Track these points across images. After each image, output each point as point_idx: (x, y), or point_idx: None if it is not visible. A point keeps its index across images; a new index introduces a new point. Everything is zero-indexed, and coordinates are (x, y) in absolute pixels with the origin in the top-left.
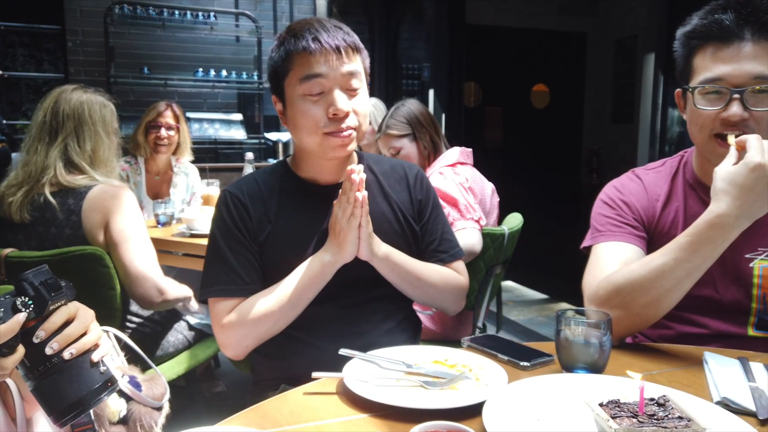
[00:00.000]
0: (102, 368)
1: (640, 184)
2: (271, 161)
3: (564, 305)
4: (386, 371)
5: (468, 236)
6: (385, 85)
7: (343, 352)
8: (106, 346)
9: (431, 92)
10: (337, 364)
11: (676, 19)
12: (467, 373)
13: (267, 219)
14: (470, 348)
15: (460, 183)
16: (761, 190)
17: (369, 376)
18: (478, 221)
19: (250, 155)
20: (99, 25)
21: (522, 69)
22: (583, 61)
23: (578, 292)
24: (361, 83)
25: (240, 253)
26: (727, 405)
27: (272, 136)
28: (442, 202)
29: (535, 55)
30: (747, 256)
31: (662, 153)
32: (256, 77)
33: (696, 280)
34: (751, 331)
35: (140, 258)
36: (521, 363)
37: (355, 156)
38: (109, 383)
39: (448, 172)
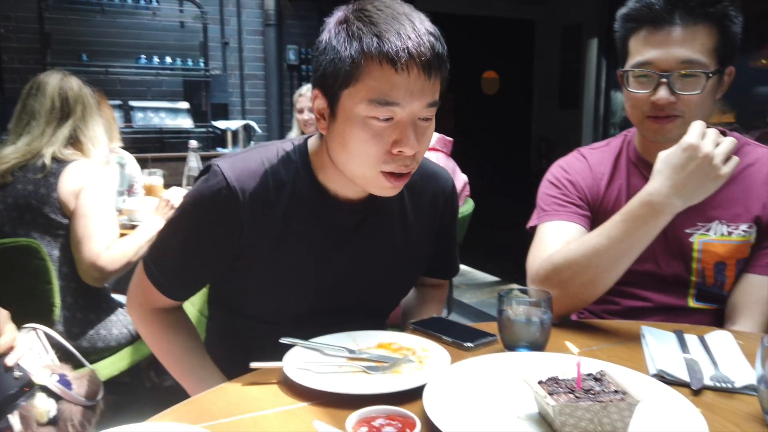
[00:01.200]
0: (17, 373)
1: (585, 163)
2: (221, 150)
3: (515, 286)
4: (329, 358)
5: None
6: None
7: (284, 340)
8: (23, 349)
9: None
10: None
11: (618, 5)
12: (410, 357)
13: (266, 226)
14: (415, 331)
15: None
16: (693, 169)
17: (310, 363)
18: None
19: (193, 143)
20: (33, 10)
21: (473, 56)
22: (531, 48)
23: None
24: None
25: (199, 262)
26: (662, 377)
27: (220, 124)
28: None
29: (485, 42)
30: (687, 231)
31: (606, 137)
32: (202, 64)
33: (632, 260)
34: (692, 303)
35: (96, 234)
36: (465, 344)
37: None
38: (26, 388)
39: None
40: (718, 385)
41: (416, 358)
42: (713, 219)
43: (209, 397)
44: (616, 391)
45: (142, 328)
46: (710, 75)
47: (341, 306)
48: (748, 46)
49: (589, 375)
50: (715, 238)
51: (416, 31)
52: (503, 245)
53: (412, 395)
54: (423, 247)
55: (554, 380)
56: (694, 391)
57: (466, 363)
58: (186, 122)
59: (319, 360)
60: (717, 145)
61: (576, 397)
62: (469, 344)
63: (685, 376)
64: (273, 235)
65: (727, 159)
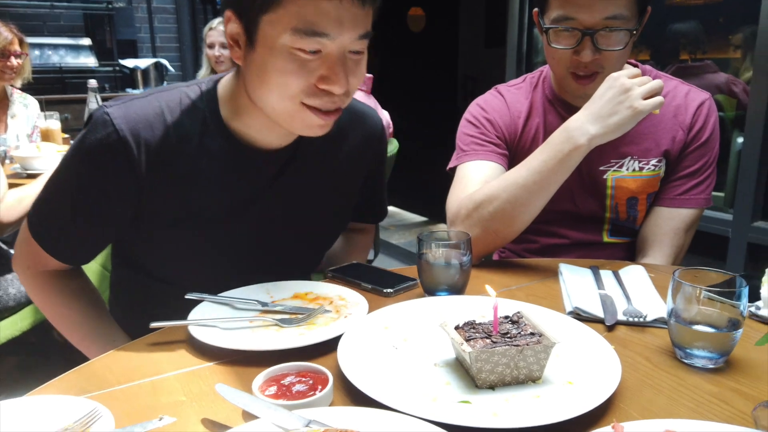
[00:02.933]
0: None
1: (503, 101)
2: (131, 91)
3: (443, 226)
4: (239, 312)
5: None
6: None
7: (190, 295)
8: None
9: None
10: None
11: None
12: (326, 306)
13: (169, 184)
14: (334, 279)
15: None
16: (609, 97)
17: (218, 320)
18: None
19: (92, 83)
20: None
21: None
22: None
23: None
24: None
25: (90, 223)
26: (578, 314)
27: (128, 62)
28: None
29: None
30: (601, 168)
31: None
32: None
33: (551, 193)
34: (606, 238)
35: None
36: (384, 290)
37: None
38: None
39: None
40: (630, 319)
41: (333, 308)
42: (626, 155)
43: (105, 362)
44: (532, 334)
45: (32, 293)
46: (633, 32)
47: (261, 265)
48: None
49: (506, 318)
50: (627, 174)
51: None
52: (431, 185)
53: (327, 348)
54: (351, 194)
55: (471, 325)
56: (608, 327)
57: (383, 311)
58: (89, 60)
59: (228, 315)
60: (641, 84)
61: (492, 341)
62: (389, 290)
63: (599, 313)
64: (178, 193)
65: (650, 98)
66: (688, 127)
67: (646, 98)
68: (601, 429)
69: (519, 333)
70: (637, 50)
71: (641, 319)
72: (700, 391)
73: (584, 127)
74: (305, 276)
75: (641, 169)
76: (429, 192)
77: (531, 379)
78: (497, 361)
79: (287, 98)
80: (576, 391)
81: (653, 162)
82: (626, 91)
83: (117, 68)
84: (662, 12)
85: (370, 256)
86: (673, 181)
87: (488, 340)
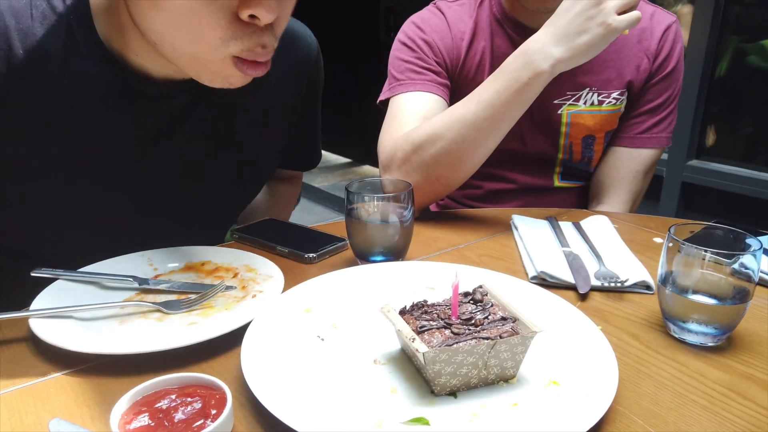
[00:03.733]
0: None
1: (443, 20)
2: None
3: (367, 168)
4: (108, 293)
5: None
6: None
7: (36, 272)
8: None
9: None
10: None
11: None
12: (229, 281)
13: (21, 122)
14: (241, 240)
15: None
16: (577, 11)
17: (73, 308)
18: None
19: None
20: None
21: None
22: None
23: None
24: None
25: None
26: (543, 280)
27: None
28: None
29: None
30: (555, 102)
31: None
32: None
33: (504, 133)
34: (557, 182)
35: None
36: (306, 255)
37: None
38: None
39: None
40: (606, 284)
41: (237, 283)
42: (584, 86)
43: None
44: (504, 318)
45: None
46: None
47: (159, 231)
48: None
49: (467, 295)
50: (584, 109)
51: None
52: (354, 125)
53: (226, 344)
54: (278, 136)
55: (422, 308)
56: (581, 294)
57: (303, 287)
58: None
59: (91, 300)
60: None
61: (453, 333)
62: (311, 254)
63: (569, 278)
64: (34, 135)
65: (623, 13)
66: (653, 54)
67: (620, 13)
68: None
69: (486, 318)
70: None
71: (620, 284)
72: (707, 380)
73: (547, 49)
74: (217, 241)
75: (600, 103)
76: (353, 131)
77: (503, 379)
78: (461, 361)
79: (207, 47)
80: (563, 394)
81: (614, 95)
82: (597, 4)
83: None
84: None
85: None
86: (633, 117)
87: (447, 332)
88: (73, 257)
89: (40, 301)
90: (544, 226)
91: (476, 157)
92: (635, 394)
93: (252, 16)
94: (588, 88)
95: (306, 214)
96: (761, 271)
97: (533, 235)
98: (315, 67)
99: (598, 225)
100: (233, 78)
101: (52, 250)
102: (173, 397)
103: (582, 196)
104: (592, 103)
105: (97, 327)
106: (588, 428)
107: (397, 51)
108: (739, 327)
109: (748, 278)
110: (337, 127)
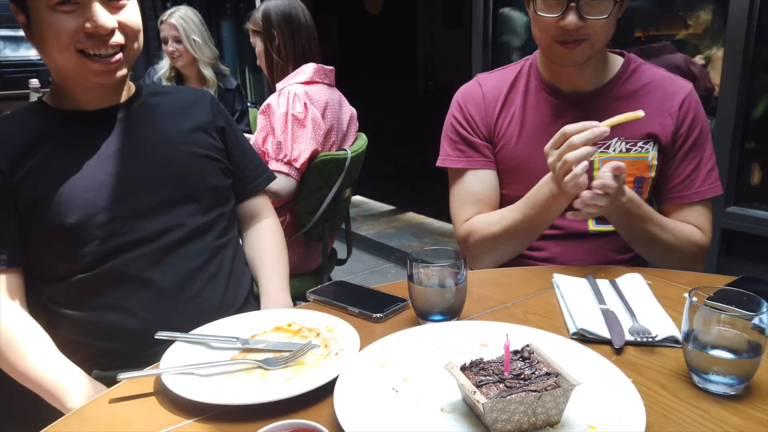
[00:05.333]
0: None
1: (480, 92)
2: None
3: (411, 215)
4: (216, 353)
5: (274, 181)
6: None
7: (160, 335)
8: None
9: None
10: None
11: None
12: (314, 341)
13: (23, 169)
14: (316, 302)
15: (293, 114)
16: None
17: (194, 364)
18: (290, 163)
19: (35, 82)
20: None
21: None
22: None
23: (423, 200)
24: None
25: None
26: (583, 336)
27: None
28: (260, 130)
29: None
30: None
31: (495, 58)
32: None
33: (546, 227)
34: (592, 226)
35: None
36: (374, 315)
37: (132, 86)
38: None
39: (294, 93)
40: (638, 339)
41: (321, 342)
42: (613, 136)
43: (67, 426)
44: (548, 374)
45: None
46: (617, 1)
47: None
48: None
49: (516, 354)
50: (614, 156)
51: None
52: (396, 173)
53: (319, 393)
54: (212, 134)
55: (479, 365)
56: (617, 349)
57: (377, 346)
58: (31, 53)
59: (204, 358)
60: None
61: (506, 386)
62: (379, 314)
63: (605, 333)
64: (36, 176)
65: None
66: (676, 118)
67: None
68: None
69: (533, 374)
70: None
71: (651, 339)
72: (726, 425)
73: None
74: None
75: (628, 150)
76: (396, 180)
77: (549, 424)
78: (514, 409)
79: (64, 49)
80: None
81: (640, 144)
82: (559, 159)
83: None
84: None
85: (343, 254)
86: (685, 179)
87: (501, 386)
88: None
89: (166, 360)
90: (582, 283)
91: (528, 243)
92: None
93: (92, 27)
94: (617, 138)
95: (354, 263)
96: None
97: (573, 293)
98: (215, 108)
99: (632, 282)
100: (99, 72)
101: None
102: None
103: (618, 242)
104: (621, 150)
105: (213, 381)
106: None
107: (447, 127)
108: (756, 377)
109: (761, 333)
110: (379, 177)
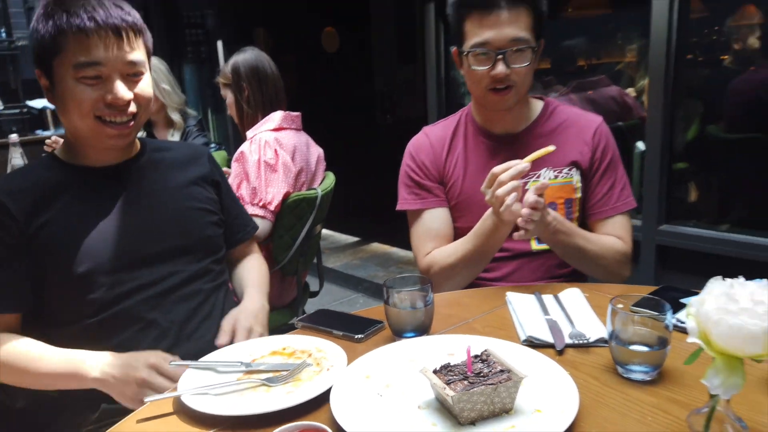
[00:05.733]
0: None
1: (427, 141)
2: (41, 133)
3: (376, 246)
4: (224, 375)
5: None
6: (166, 37)
7: (173, 364)
8: None
9: (219, 43)
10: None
11: None
12: (307, 360)
13: (39, 220)
14: (304, 328)
15: (265, 161)
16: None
17: (206, 385)
18: (265, 206)
19: (14, 137)
20: None
21: (310, 13)
22: (366, 3)
23: (386, 230)
24: (145, 69)
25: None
26: (531, 342)
27: (36, 103)
28: (234, 177)
29: None
30: (523, 180)
31: (448, 93)
32: (4, 35)
33: (495, 249)
34: (534, 246)
35: None
36: (356, 336)
37: (137, 143)
38: None
39: (265, 140)
40: (576, 341)
41: (313, 361)
42: (542, 167)
43: None
44: (502, 371)
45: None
46: (535, 49)
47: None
48: (557, 2)
49: (476, 357)
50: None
51: (103, 4)
52: (360, 204)
53: (317, 402)
54: (209, 189)
55: (447, 368)
56: (558, 351)
57: (362, 360)
58: None
59: (214, 380)
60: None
61: (470, 382)
62: (360, 335)
63: (549, 338)
64: (49, 226)
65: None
66: (591, 147)
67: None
68: None
69: (490, 371)
70: (540, 60)
71: (586, 341)
72: (642, 403)
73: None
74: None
75: (556, 177)
76: (360, 211)
77: (504, 411)
78: (476, 400)
79: (85, 116)
80: (545, 418)
81: (565, 170)
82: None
83: (24, 110)
84: (562, 24)
85: (316, 287)
86: (601, 198)
87: (466, 382)
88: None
89: (182, 384)
90: (531, 299)
91: (482, 268)
92: (594, 416)
93: (113, 99)
94: (545, 168)
95: (324, 295)
96: (677, 322)
97: (523, 307)
98: (212, 164)
99: (572, 296)
100: (114, 136)
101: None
102: None
103: (558, 258)
104: (550, 178)
105: (225, 399)
106: None
107: (402, 175)
108: (665, 364)
109: (667, 329)
110: (344, 209)
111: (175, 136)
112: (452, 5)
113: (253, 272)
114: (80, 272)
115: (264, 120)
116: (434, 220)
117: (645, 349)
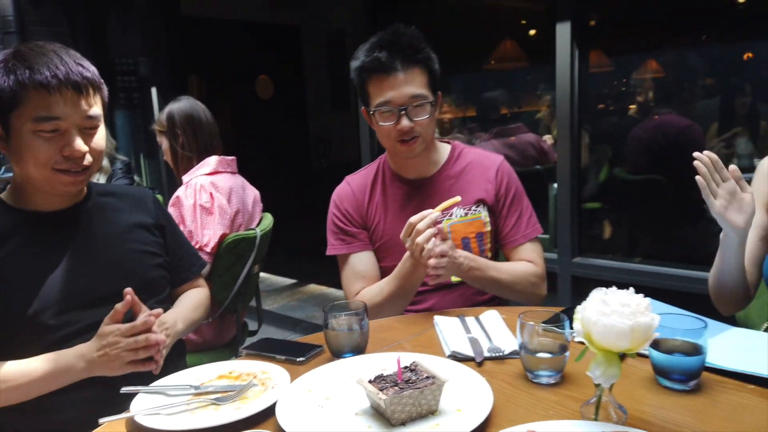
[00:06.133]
0: None
1: (350, 189)
2: None
3: (313, 287)
4: (175, 398)
5: None
6: None
7: (125, 389)
8: None
9: (153, 90)
10: (119, 403)
11: (374, 13)
12: (253, 381)
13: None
14: (249, 356)
15: (201, 204)
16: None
17: (158, 407)
18: (202, 248)
19: None
20: None
21: (244, 61)
22: (299, 52)
23: (323, 271)
24: (100, 122)
25: None
26: (455, 356)
27: None
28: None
29: (254, 47)
30: (439, 220)
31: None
32: None
33: (416, 287)
34: (454, 278)
35: None
36: (297, 359)
37: (84, 188)
38: None
39: (200, 184)
40: (493, 354)
41: (259, 381)
42: (453, 206)
43: None
44: (427, 377)
45: None
46: (432, 103)
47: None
48: (479, 56)
49: (405, 368)
50: (456, 220)
51: (64, 62)
52: (297, 247)
53: (263, 416)
54: (154, 232)
55: (381, 377)
56: (478, 363)
57: (304, 377)
58: None
59: (165, 402)
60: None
61: (400, 388)
62: (301, 358)
63: (470, 353)
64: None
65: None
66: (495, 185)
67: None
68: None
69: (418, 378)
70: (465, 107)
71: (501, 354)
72: (546, 401)
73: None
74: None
75: (466, 214)
76: (297, 253)
77: (430, 412)
78: (405, 402)
79: (41, 167)
80: (464, 416)
81: (473, 208)
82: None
83: None
84: (485, 76)
85: (254, 326)
86: (511, 230)
87: (396, 388)
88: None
89: (135, 406)
90: (455, 321)
91: (406, 303)
92: (505, 413)
93: (69, 152)
94: (456, 207)
95: (261, 335)
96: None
97: (448, 328)
98: (158, 207)
99: (491, 317)
100: (69, 184)
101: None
102: None
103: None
104: (460, 216)
105: (177, 418)
106: (473, 429)
107: (329, 222)
108: (567, 370)
109: (565, 339)
110: (281, 251)
111: (101, 180)
112: (355, 71)
113: (185, 299)
114: (29, 314)
115: (200, 165)
116: (360, 263)
117: (548, 355)
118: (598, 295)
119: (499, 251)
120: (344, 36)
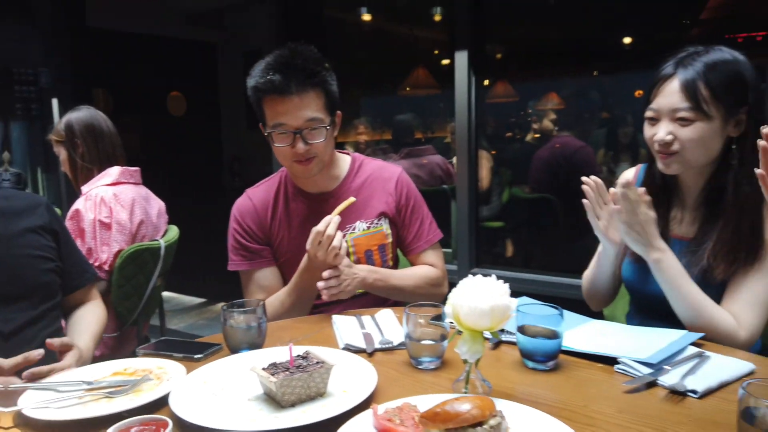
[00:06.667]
0: None
1: (251, 204)
2: None
3: (221, 306)
4: (66, 394)
5: None
6: None
7: (13, 387)
8: None
9: (55, 101)
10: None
11: (290, 35)
12: (149, 376)
13: None
14: (145, 355)
15: (100, 220)
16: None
17: (48, 402)
18: (101, 266)
19: None
20: None
21: (155, 77)
22: (215, 70)
23: (233, 291)
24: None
25: None
26: (348, 348)
27: None
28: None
29: (167, 63)
30: (342, 233)
31: None
32: None
33: (312, 295)
34: (358, 291)
35: None
36: (195, 356)
37: None
38: None
39: (101, 196)
40: (383, 346)
41: (154, 376)
42: (356, 220)
43: None
44: (317, 362)
45: None
46: (328, 127)
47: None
48: (395, 81)
49: (298, 356)
50: (359, 233)
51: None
52: (206, 266)
53: (157, 405)
54: (46, 238)
55: (273, 365)
56: (369, 353)
57: (200, 370)
58: None
59: (56, 397)
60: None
61: (290, 373)
62: (199, 355)
63: (362, 345)
64: None
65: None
66: (395, 196)
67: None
68: (365, 411)
69: (308, 364)
70: (381, 130)
71: (391, 345)
72: (426, 382)
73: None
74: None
75: (368, 227)
76: (206, 273)
77: (319, 394)
78: (295, 384)
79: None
80: (349, 396)
81: (374, 221)
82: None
83: None
84: (398, 101)
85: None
86: (414, 238)
87: (287, 372)
88: None
89: (22, 401)
90: (352, 319)
91: (307, 309)
92: (388, 393)
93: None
94: (359, 221)
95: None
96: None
97: (344, 324)
98: (52, 214)
99: (385, 315)
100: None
101: None
102: (136, 427)
103: (379, 298)
104: (363, 229)
105: (67, 410)
106: (354, 405)
107: (230, 238)
108: (446, 357)
109: (444, 328)
110: (189, 271)
111: None
112: (250, 89)
113: (88, 317)
114: None
115: (100, 175)
116: (264, 278)
117: (431, 343)
118: (466, 282)
119: (400, 258)
120: (261, 55)
